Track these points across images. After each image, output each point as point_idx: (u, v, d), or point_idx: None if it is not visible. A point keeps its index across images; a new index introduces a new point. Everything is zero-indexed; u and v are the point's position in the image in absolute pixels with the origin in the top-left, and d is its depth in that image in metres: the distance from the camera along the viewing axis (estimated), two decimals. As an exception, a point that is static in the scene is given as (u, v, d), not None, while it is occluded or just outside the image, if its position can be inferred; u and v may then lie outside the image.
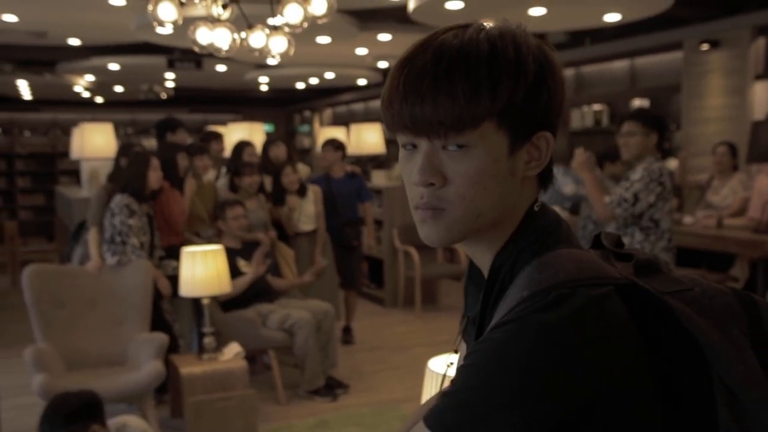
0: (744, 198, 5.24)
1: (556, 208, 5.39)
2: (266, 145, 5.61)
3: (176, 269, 4.09)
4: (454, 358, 1.11)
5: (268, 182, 5.22)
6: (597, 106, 8.55)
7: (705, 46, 6.74)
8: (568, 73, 9.25)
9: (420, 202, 0.89)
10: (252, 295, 4.46)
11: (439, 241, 0.91)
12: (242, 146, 5.34)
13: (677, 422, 0.83)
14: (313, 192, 5.29)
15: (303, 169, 6.16)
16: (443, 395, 0.81)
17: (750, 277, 5.15)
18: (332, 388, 4.48)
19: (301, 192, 5.17)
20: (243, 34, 3.91)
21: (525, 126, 0.88)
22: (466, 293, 1.08)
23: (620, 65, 8.35)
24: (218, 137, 5.67)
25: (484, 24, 0.89)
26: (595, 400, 0.78)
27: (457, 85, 0.84)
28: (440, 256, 7.27)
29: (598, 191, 3.72)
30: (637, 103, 7.90)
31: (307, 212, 5.22)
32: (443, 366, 1.54)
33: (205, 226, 4.77)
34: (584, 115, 8.68)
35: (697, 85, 6.94)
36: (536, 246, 0.88)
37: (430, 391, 1.54)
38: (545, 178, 0.95)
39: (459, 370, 0.81)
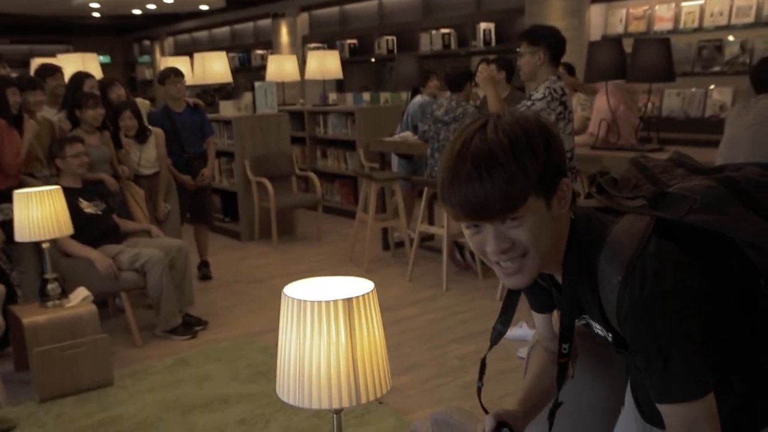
0: (583, 116, 5.50)
1: (407, 133, 5.41)
2: (103, 87, 5.18)
3: (9, 214, 3.78)
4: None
5: None
6: (445, 30, 8.63)
7: (544, -30, 6.92)
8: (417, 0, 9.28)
9: (503, 263, 1.24)
10: (98, 236, 4.21)
11: (526, 284, 1.28)
12: (81, 77, 4.92)
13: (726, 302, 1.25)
14: (155, 135, 5.02)
15: (144, 104, 5.81)
16: (659, 384, 1.18)
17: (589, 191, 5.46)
18: (190, 325, 4.37)
19: (141, 137, 4.89)
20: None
21: (551, 184, 1.19)
22: (528, 292, 1.53)
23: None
24: (54, 71, 5.17)
25: (494, 119, 1.17)
26: (706, 300, 1.19)
27: (501, 184, 1.13)
28: (295, 186, 7.19)
29: (501, 107, 3.69)
30: (483, 26, 8.03)
31: (148, 156, 4.96)
32: (298, 292, 1.51)
33: (40, 166, 4.41)
34: (433, 39, 8.74)
35: (539, 8, 7.14)
36: (594, 244, 1.25)
37: (287, 318, 1.50)
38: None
39: (641, 358, 1.19)
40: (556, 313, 1.54)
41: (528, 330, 3.92)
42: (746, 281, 1.26)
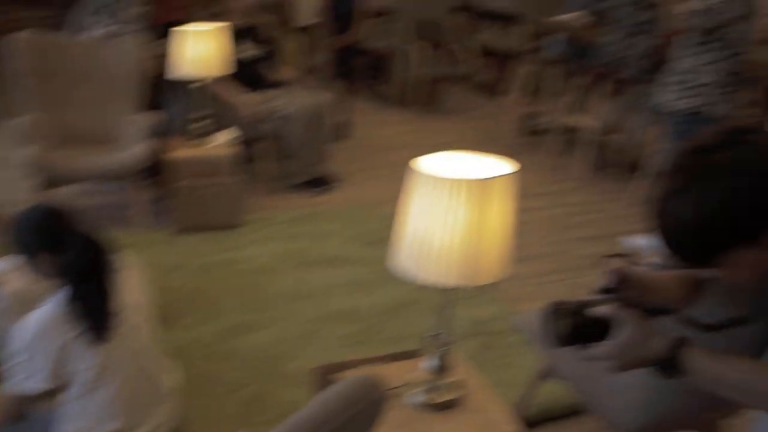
0: None
1: (577, 14, 4.90)
2: None
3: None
4: None
5: None
6: None
7: None
8: None
9: None
10: (247, 81, 4.29)
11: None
12: None
13: None
14: None
15: None
16: None
17: None
18: (319, 183, 4.45)
19: None
20: None
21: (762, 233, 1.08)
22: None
23: None
24: None
25: (699, 179, 1.08)
26: None
27: (689, 252, 1.14)
28: (449, 57, 6.98)
29: None
30: None
31: (307, 4, 4.91)
32: (431, 166, 1.45)
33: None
34: None
35: None
36: None
37: (415, 191, 1.45)
38: None
39: None
40: None
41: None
42: None
